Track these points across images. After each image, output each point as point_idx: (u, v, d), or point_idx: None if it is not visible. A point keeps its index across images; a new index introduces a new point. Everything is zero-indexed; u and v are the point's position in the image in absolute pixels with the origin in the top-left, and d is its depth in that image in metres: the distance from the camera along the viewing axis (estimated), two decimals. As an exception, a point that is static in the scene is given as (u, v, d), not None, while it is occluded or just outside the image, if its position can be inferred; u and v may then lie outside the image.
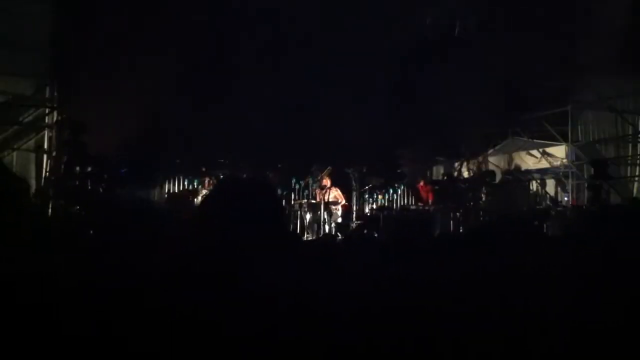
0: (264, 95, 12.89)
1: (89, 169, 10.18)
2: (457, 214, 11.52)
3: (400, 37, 13.16)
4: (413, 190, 14.02)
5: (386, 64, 13.11)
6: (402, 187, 15.30)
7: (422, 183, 13.84)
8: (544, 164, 13.39)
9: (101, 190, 10.02)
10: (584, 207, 10.96)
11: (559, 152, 13.08)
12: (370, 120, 13.20)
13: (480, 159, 14.40)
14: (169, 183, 13.48)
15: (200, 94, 12.53)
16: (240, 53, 12.55)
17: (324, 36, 12.54)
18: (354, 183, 13.26)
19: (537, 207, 11.92)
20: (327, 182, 12.45)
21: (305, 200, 12.45)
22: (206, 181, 12.37)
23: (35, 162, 10.60)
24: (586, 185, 11.94)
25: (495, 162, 14.38)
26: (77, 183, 9.95)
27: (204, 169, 12.68)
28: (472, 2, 12.62)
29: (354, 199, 13.21)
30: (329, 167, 12.45)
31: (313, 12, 12.30)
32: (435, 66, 13.18)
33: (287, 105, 13.04)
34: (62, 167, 10.33)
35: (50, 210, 9.39)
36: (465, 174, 14.14)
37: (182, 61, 11.72)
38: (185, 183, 13.54)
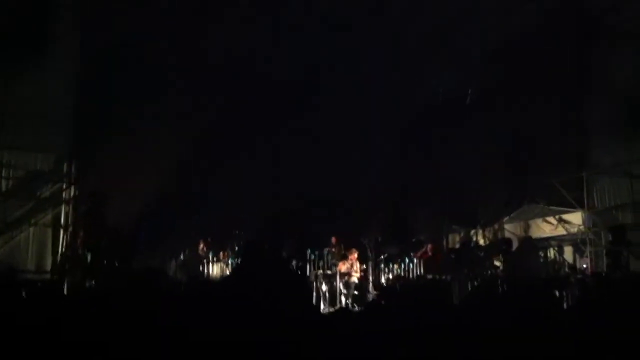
0: (275, 167, 13.02)
1: (106, 241, 10.19)
2: (475, 282, 11.31)
3: (412, 106, 13.32)
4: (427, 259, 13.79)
5: (399, 134, 13.23)
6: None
7: (428, 249, 13.34)
8: (560, 230, 13.26)
9: (116, 263, 10.00)
10: (603, 274, 10.74)
11: (576, 218, 12.96)
12: (384, 191, 13.21)
13: (496, 226, 14.30)
14: (184, 253, 13.39)
15: (213, 166, 12.66)
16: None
17: (334, 109, 12.71)
18: (369, 253, 13.15)
19: (556, 274, 11.70)
20: (353, 257, 12.44)
21: (321, 271, 12.33)
22: (221, 253, 12.38)
23: (52, 237, 10.63)
24: (605, 251, 11.73)
25: (511, 229, 14.26)
26: (93, 257, 9.94)
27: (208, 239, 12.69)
28: (485, 68, 12.78)
29: (370, 268, 13.06)
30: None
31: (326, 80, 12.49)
32: (448, 135, 13.27)
33: (300, 177, 13.11)
34: (79, 241, 10.35)
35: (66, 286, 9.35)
36: (482, 242, 14.01)
37: (194, 133, 11.91)
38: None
